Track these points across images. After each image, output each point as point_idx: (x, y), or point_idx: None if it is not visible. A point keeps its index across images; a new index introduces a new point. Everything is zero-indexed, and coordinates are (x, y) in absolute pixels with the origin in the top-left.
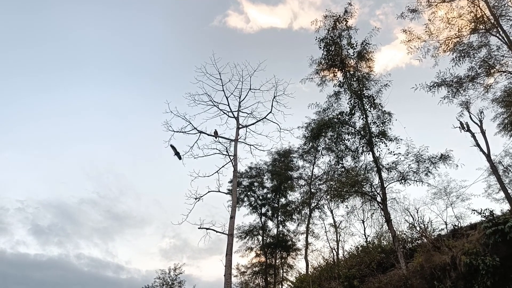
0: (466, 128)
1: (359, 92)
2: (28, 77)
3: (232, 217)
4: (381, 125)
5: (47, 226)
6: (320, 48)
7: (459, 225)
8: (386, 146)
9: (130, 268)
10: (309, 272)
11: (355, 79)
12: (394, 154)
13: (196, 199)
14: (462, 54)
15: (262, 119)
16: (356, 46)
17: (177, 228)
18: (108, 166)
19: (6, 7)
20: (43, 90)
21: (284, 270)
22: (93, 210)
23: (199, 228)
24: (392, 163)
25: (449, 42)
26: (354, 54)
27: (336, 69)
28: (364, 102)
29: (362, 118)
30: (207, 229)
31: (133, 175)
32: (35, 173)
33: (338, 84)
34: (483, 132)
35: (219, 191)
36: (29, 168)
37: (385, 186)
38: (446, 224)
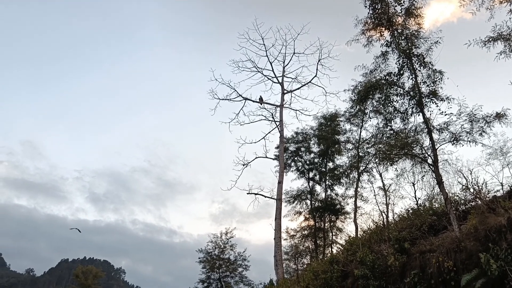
0: None
1: (407, 51)
2: (77, 52)
3: (280, 182)
4: (432, 85)
5: (103, 194)
6: (366, 7)
7: None
8: (437, 106)
9: (183, 233)
10: (358, 235)
11: (403, 37)
12: (445, 115)
13: (244, 165)
14: None
15: (307, 84)
16: (403, 2)
17: (225, 193)
18: (157, 135)
19: None
20: (93, 64)
21: (333, 233)
22: (145, 178)
23: (248, 193)
24: (444, 124)
25: None
26: (401, 11)
27: (383, 28)
28: (413, 61)
29: (411, 78)
30: (255, 194)
31: (180, 143)
32: (89, 144)
33: (385, 44)
34: None
35: (266, 157)
36: (83, 138)
37: (436, 147)
38: (502, 185)
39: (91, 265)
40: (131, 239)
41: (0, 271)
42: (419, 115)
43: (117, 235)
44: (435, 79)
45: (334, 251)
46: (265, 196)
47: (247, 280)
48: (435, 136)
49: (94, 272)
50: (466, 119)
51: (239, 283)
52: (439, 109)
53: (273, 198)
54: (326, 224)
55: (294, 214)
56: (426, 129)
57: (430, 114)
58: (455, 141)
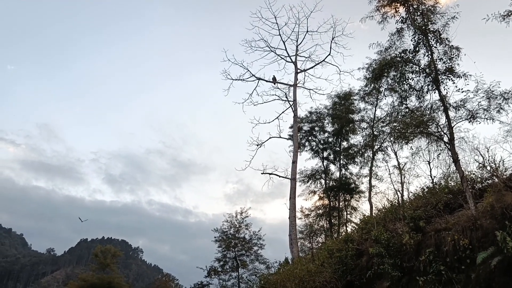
0: None
1: (423, 27)
2: (89, 33)
3: (294, 162)
4: (448, 62)
5: (119, 175)
6: None
7: None
8: (454, 83)
9: (198, 212)
10: (373, 214)
11: (419, 13)
12: (462, 92)
13: (258, 145)
14: None
15: (320, 62)
16: None
17: (239, 173)
18: (170, 116)
19: None
20: (105, 45)
21: (347, 212)
22: (159, 159)
23: (262, 173)
24: (460, 101)
25: None
26: None
27: (398, 4)
28: (429, 37)
29: (427, 55)
30: (270, 174)
31: (194, 124)
32: (105, 126)
33: (400, 20)
34: None
35: (280, 137)
36: (98, 121)
37: (452, 125)
38: None
39: (110, 244)
40: (147, 219)
41: (22, 250)
42: (435, 92)
43: (133, 215)
44: (452, 56)
45: (349, 230)
46: (280, 176)
47: (262, 259)
48: (451, 113)
49: (113, 251)
50: (483, 96)
51: (255, 261)
52: (456, 86)
53: (288, 178)
54: (340, 203)
55: (309, 194)
56: (442, 107)
57: (446, 92)
58: (471, 119)
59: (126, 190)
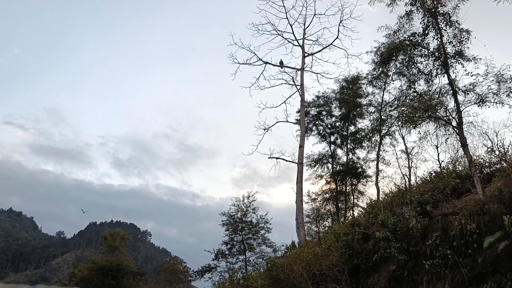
0: None
1: (433, 9)
2: (95, 16)
3: (301, 146)
4: (458, 45)
5: (126, 159)
6: None
7: None
8: (463, 67)
9: (205, 196)
10: (380, 198)
11: None
12: (471, 75)
13: (265, 129)
14: None
15: (328, 46)
16: None
17: (246, 158)
18: (177, 100)
19: None
20: (112, 28)
21: (354, 197)
22: (167, 143)
23: (269, 157)
24: (470, 85)
25: None
26: None
27: None
28: (438, 20)
29: (437, 38)
30: (277, 158)
31: (201, 108)
32: (112, 110)
33: (410, 2)
34: None
35: (287, 121)
36: (106, 105)
37: (461, 109)
38: None
39: (118, 228)
40: (155, 202)
41: (33, 233)
42: (444, 76)
43: (141, 199)
44: (462, 39)
45: (356, 214)
46: (287, 160)
47: (269, 242)
48: (460, 97)
49: (122, 234)
50: (493, 80)
51: (262, 244)
52: (465, 70)
53: (294, 162)
54: (347, 188)
55: (316, 178)
56: (451, 91)
57: (456, 75)
58: (481, 103)
59: (134, 174)
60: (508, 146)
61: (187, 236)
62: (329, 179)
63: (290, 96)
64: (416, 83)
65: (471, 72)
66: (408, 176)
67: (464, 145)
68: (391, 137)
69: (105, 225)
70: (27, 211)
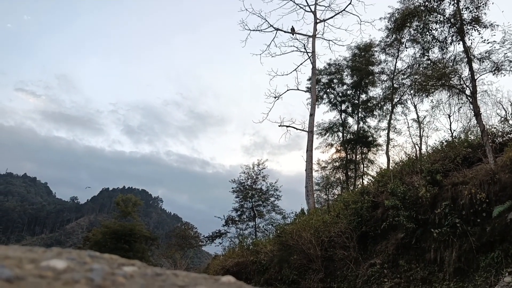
0: None
1: None
2: None
3: (312, 115)
4: (475, 11)
5: (137, 126)
6: None
7: None
8: (479, 34)
9: (215, 164)
10: (390, 167)
11: None
12: (488, 43)
13: (275, 97)
14: None
15: (341, 12)
16: None
17: (256, 126)
18: (187, 68)
19: None
20: None
21: (364, 165)
22: (177, 110)
23: (279, 126)
24: (485, 53)
25: None
26: None
27: None
28: None
29: (453, 4)
30: (287, 126)
31: (210, 76)
32: (122, 77)
33: None
34: None
35: (298, 89)
36: (116, 72)
37: (475, 78)
38: None
39: (130, 194)
40: (166, 169)
41: (48, 198)
42: (459, 43)
43: (152, 165)
44: (479, 4)
45: (365, 183)
46: (297, 129)
47: (278, 209)
48: (475, 65)
49: (134, 200)
50: (510, 47)
51: (271, 211)
52: (481, 37)
53: (305, 131)
54: (357, 156)
55: (326, 146)
56: (466, 59)
57: (471, 43)
58: (496, 71)
59: (144, 141)
60: None
61: (197, 203)
62: (339, 148)
63: (301, 64)
64: (430, 50)
65: (488, 39)
66: (419, 145)
67: (477, 114)
68: (403, 105)
69: (117, 191)
70: (41, 176)
